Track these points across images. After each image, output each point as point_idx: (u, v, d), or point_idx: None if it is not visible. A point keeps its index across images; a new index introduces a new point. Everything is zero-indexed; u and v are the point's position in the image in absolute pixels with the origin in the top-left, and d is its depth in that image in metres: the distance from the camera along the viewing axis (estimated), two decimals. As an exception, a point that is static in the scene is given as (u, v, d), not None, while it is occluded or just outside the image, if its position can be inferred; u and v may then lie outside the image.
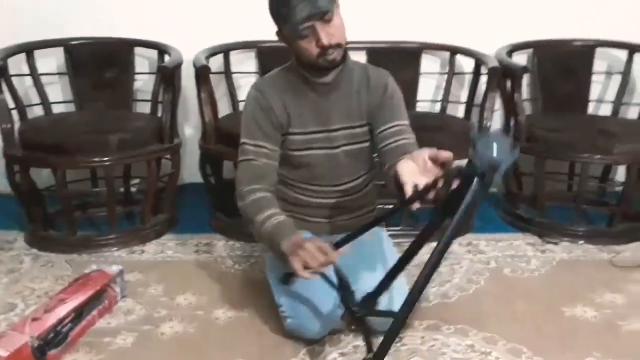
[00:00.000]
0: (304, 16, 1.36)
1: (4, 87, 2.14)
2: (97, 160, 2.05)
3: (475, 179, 1.08)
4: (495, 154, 1.03)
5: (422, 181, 1.15)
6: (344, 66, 1.53)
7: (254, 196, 1.49)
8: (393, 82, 1.63)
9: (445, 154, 1.15)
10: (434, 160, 1.16)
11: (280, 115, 1.54)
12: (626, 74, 2.55)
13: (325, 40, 1.39)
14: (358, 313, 1.42)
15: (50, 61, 2.52)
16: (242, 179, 1.53)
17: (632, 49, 2.52)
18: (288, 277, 1.48)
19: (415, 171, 1.17)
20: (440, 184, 1.15)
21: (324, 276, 1.40)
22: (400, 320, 1.21)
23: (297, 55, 1.50)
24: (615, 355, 1.49)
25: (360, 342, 1.53)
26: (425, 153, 1.18)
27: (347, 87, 1.56)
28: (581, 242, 2.21)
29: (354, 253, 1.58)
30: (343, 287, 1.45)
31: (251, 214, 1.47)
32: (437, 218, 1.22)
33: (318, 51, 1.42)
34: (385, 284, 1.41)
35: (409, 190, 1.15)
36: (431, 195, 1.14)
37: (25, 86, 2.47)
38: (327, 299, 1.47)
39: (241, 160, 1.55)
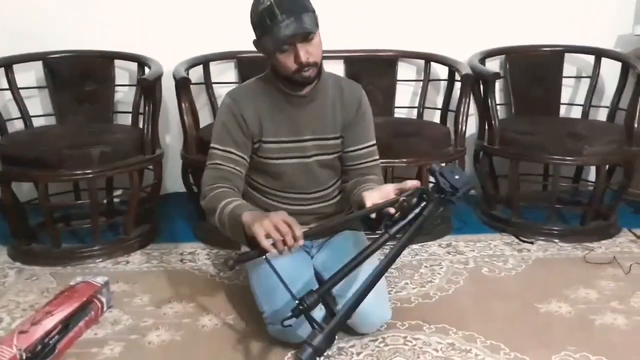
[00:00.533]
0: (288, 34, 1.40)
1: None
2: (79, 173, 2.06)
3: (433, 200, 1.33)
4: (456, 179, 1.31)
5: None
6: (319, 80, 1.58)
7: (216, 190, 1.51)
8: (365, 99, 1.69)
9: (412, 184, 1.38)
10: (400, 192, 1.39)
11: (252, 125, 1.58)
12: (594, 78, 2.64)
13: (303, 58, 1.44)
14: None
15: (29, 75, 2.53)
16: (207, 180, 1.56)
17: (598, 53, 2.61)
18: (245, 256, 1.37)
19: (377, 198, 1.40)
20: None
21: (305, 281, 1.44)
22: (339, 321, 1.32)
23: (274, 66, 1.55)
24: (589, 348, 1.55)
25: (344, 344, 1.57)
26: (390, 188, 1.42)
27: (321, 100, 1.61)
28: (556, 240, 2.29)
29: (333, 256, 1.63)
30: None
31: (213, 204, 1.48)
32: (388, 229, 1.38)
33: (295, 67, 1.46)
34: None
35: (368, 204, 1.39)
36: (391, 210, 1.36)
37: (4, 100, 2.47)
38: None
39: (209, 164, 1.59)
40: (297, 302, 1.30)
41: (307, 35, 1.42)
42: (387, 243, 1.36)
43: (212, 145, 1.60)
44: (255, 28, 1.47)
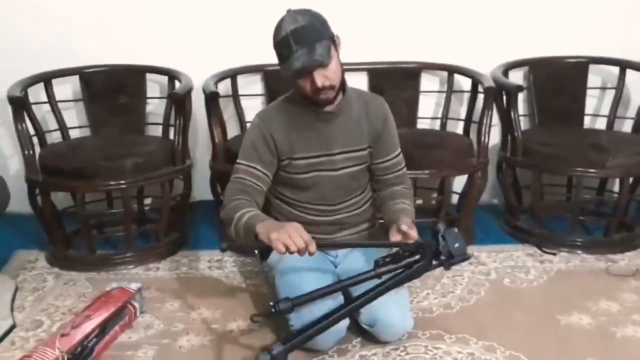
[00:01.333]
0: (299, 66, 1.46)
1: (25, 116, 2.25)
2: (113, 184, 2.16)
3: (427, 258, 1.41)
4: (456, 247, 1.37)
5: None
6: (344, 96, 1.64)
7: (235, 201, 1.58)
8: (389, 111, 1.75)
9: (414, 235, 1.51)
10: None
11: (282, 144, 1.65)
12: (619, 89, 2.63)
13: (319, 83, 1.50)
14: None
15: (66, 88, 2.64)
16: (229, 192, 1.64)
17: (623, 65, 2.61)
18: (240, 247, 1.56)
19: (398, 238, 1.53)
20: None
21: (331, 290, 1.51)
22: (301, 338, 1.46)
23: (296, 87, 1.61)
24: (609, 360, 1.58)
25: (366, 352, 1.63)
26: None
27: (347, 115, 1.67)
28: (579, 251, 2.29)
29: (352, 267, 1.68)
30: (347, 300, 1.55)
31: (230, 214, 1.54)
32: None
33: (312, 91, 1.53)
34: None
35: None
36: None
37: (42, 112, 2.59)
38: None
39: (232, 177, 1.66)
40: (270, 304, 1.42)
41: (319, 66, 1.48)
42: (372, 279, 1.45)
43: (238, 161, 1.68)
44: (276, 53, 1.53)
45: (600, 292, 1.96)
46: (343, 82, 1.63)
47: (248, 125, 2.59)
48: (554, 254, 2.29)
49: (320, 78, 1.50)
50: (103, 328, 1.64)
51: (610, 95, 2.71)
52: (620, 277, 2.08)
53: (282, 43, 1.48)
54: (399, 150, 1.78)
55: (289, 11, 1.52)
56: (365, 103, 1.71)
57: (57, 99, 2.53)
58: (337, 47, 1.55)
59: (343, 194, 1.73)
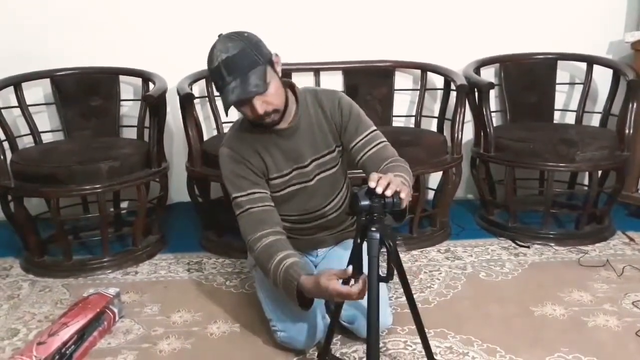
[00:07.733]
0: (234, 99, 1.40)
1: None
2: (88, 188, 2.13)
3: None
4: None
5: None
6: (299, 105, 1.60)
7: (261, 244, 1.54)
8: (343, 99, 1.66)
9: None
10: None
11: (258, 164, 1.60)
12: (586, 84, 2.70)
13: (260, 110, 1.44)
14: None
15: (37, 91, 2.60)
16: (246, 229, 1.57)
17: (590, 60, 2.68)
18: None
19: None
20: None
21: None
22: None
23: None
24: (581, 349, 1.62)
25: (346, 349, 1.65)
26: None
27: (307, 123, 1.62)
28: (552, 244, 2.35)
29: (330, 264, 1.69)
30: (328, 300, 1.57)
31: (264, 263, 1.53)
32: None
33: (255, 118, 1.48)
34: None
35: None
36: None
37: (13, 116, 2.55)
38: (314, 312, 1.57)
39: (239, 213, 1.58)
40: None
41: (255, 95, 1.42)
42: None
43: (233, 196, 1.59)
44: (212, 83, 1.48)
45: (572, 283, 2.02)
46: (295, 94, 1.60)
47: (224, 126, 2.59)
48: (528, 247, 2.34)
49: (261, 105, 1.43)
50: (81, 335, 1.62)
51: (578, 90, 2.78)
52: (592, 267, 2.14)
53: (215, 74, 1.41)
54: (373, 128, 1.64)
55: (220, 37, 1.45)
56: (320, 104, 1.65)
57: (28, 102, 2.49)
58: (276, 66, 1.48)
59: (320, 200, 1.72)
